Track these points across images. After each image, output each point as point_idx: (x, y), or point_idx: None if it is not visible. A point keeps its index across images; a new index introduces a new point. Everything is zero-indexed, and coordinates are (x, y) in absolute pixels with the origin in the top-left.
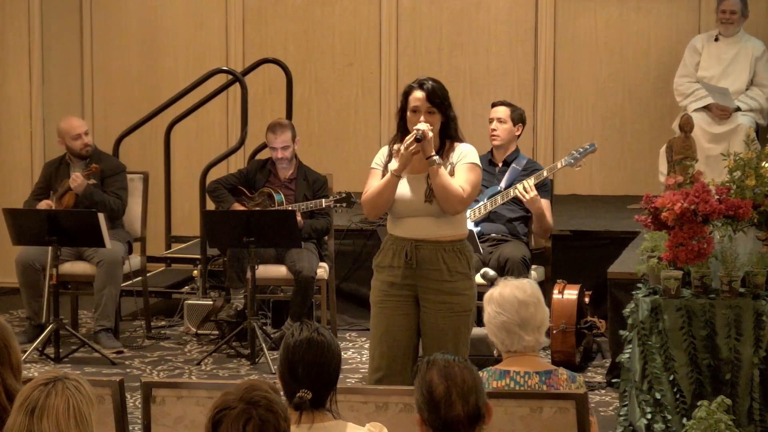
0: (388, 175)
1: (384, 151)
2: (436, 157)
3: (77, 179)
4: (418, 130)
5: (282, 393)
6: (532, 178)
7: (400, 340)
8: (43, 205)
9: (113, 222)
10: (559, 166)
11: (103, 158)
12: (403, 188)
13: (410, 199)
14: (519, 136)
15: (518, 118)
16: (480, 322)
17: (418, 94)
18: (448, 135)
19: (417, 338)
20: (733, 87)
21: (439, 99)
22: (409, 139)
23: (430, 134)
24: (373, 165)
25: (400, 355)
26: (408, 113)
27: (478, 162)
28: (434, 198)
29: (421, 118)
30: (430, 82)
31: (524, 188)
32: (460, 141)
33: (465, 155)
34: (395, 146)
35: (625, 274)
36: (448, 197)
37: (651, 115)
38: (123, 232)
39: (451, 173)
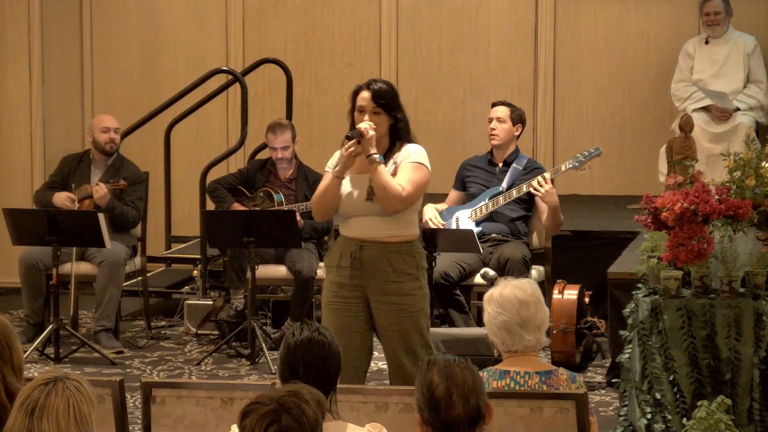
0: (330, 177)
1: (337, 154)
2: (377, 156)
3: (101, 191)
4: (357, 129)
5: (329, 408)
6: (548, 173)
7: (351, 341)
8: (64, 196)
9: (122, 228)
10: (563, 168)
11: (126, 165)
12: (348, 188)
13: (353, 199)
14: (518, 136)
15: (518, 118)
16: (480, 322)
17: (365, 94)
18: (398, 136)
19: (371, 339)
20: (730, 87)
21: (384, 100)
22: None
23: (371, 133)
24: (326, 168)
25: (351, 358)
26: (355, 113)
27: (425, 161)
28: (375, 197)
29: (365, 117)
30: (379, 84)
31: (539, 183)
32: (411, 142)
33: (409, 155)
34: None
35: (625, 274)
36: (386, 196)
37: (651, 115)
38: (128, 236)
39: (395, 173)
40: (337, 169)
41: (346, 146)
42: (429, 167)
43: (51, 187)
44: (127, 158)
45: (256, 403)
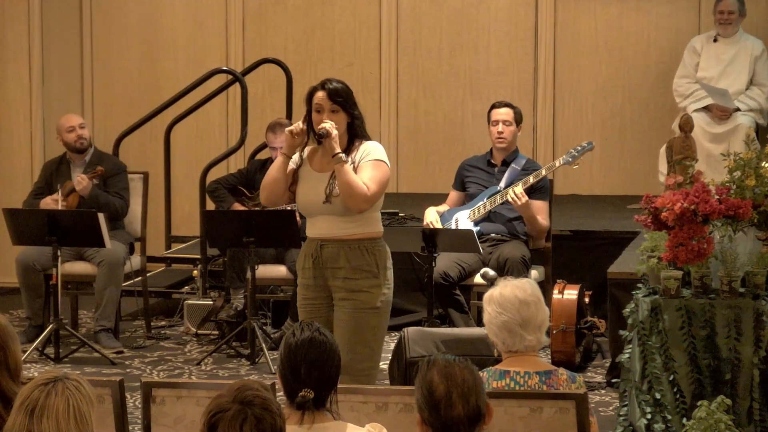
0: (279, 156)
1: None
2: (342, 155)
3: (83, 182)
4: (322, 128)
5: (280, 392)
6: (521, 184)
7: None
8: (48, 201)
9: (115, 223)
10: (557, 164)
11: (104, 158)
12: (307, 186)
13: (314, 198)
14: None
15: (520, 119)
16: (480, 322)
17: (320, 94)
18: (355, 134)
19: None
20: (733, 87)
21: (341, 98)
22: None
23: (335, 132)
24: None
25: None
26: (312, 114)
27: (385, 159)
28: (333, 198)
29: (324, 117)
30: (334, 83)
31: (515, 195)
32: (368, 140)
33: (369, 153)
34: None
35: (625, 274)
36: (352, 194)
37: (651, 115)
38: (124, 233)
39: (356, 171)
40: (283, 147)
41: (293, 126)
42: (389, 164)
43: (37, 194)
44: (104, 152)
45: (217, 413)
